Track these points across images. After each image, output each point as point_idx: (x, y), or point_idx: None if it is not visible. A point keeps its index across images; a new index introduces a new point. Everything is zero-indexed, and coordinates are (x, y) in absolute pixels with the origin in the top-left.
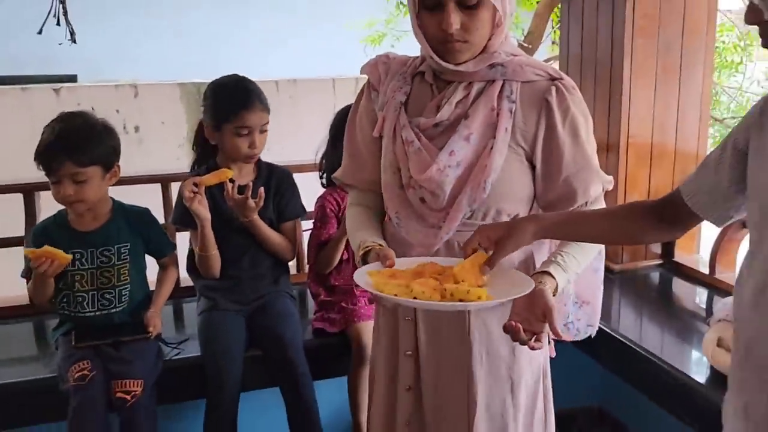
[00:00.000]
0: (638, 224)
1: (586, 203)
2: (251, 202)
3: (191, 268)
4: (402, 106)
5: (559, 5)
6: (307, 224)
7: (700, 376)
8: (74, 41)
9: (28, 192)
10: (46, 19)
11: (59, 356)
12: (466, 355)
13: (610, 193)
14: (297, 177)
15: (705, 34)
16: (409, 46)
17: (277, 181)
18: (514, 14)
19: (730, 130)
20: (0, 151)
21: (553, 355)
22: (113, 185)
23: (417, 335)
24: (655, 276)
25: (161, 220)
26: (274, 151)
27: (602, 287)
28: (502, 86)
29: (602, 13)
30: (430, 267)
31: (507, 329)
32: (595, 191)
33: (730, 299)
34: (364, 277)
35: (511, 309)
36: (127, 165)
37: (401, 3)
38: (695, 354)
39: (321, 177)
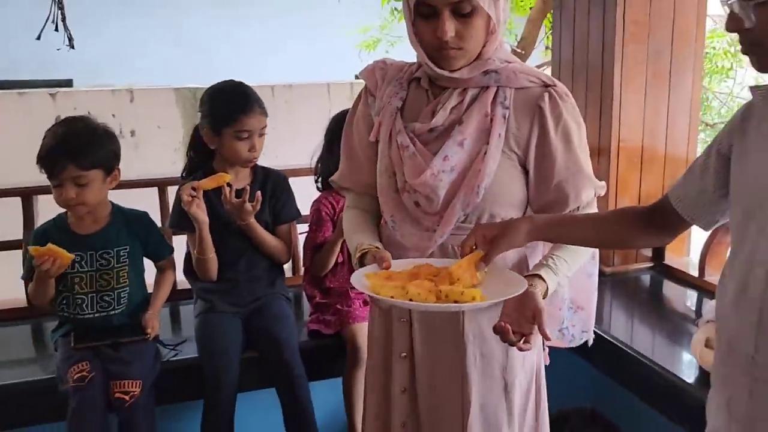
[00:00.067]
0: (628, 229)
1: (578, 208)
2: (248, 205)
3: (188, 270)
4: (398, 111)
5: (552, 11)
6: (302, 227)
7: (690, 376)
8: (72, 47)
9: (27, 196)
10: (44, 25)
11: (58, 357)
12: (460, 356)
13: (601, 197)
14: (292, 181)
15: (694, 41)
16: (404, 51)
17: (272, 185)
18: (507, 21)
19: None
20: None
21: (547, 362)
22: (111, 189)
23: (412, 337)
24: (646, 279)
25: (158, 223)
26: (269, 156)
27: (596, 292)
28: (496, 92)
29: (593, 20)
30: (425, 268)
31: (496, 330)
32: (586, 196)
33: None
34: (361, 279)
35: (502, 310)
36: (123, 169)
37: (396, 9)
38: (686, 355)
39: (316, 181)
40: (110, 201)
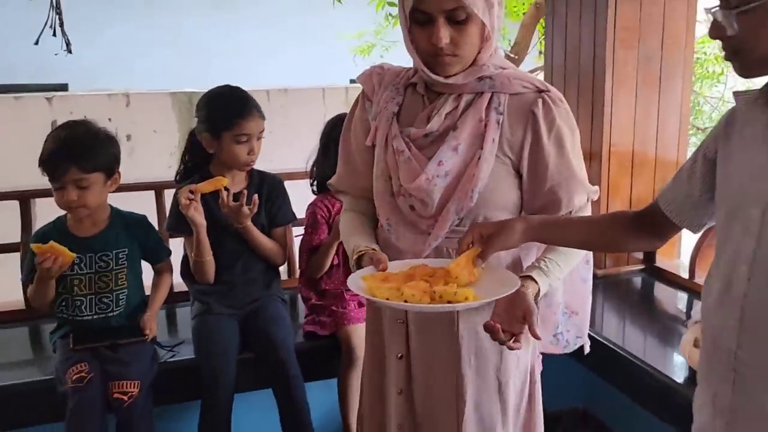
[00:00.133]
0: (620, 233)
1: (571, 212)
2: (245, 209)
3: (185, 273)
4: (394, 116)
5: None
6: (297, 230)
7: (681, 377)
8: (70, 51)
9: (25, 199)
10: (42, 30)
11: (57, 358)
12: (455, 356)
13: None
14: (288, 184)
15: (684, 47)
16: (398, 56)
17: (268, 188)
18: (502, 28)
19: None
20: None
21: (540, 368)
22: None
23: (408, 338)
24: (638, 281)
25: (155, 226)
26: (264, 159)
27: (591, 298)
28: (491, 98)
29: (584, 26)
30: (421, 269)
31: (486, 328)
32: (579, 201)
33: None
34: (357, 281)
35: (494, 309)
36: None
37: (390, 14)
38: (676, 356)
39: (312, 184)
40: (109, 204)
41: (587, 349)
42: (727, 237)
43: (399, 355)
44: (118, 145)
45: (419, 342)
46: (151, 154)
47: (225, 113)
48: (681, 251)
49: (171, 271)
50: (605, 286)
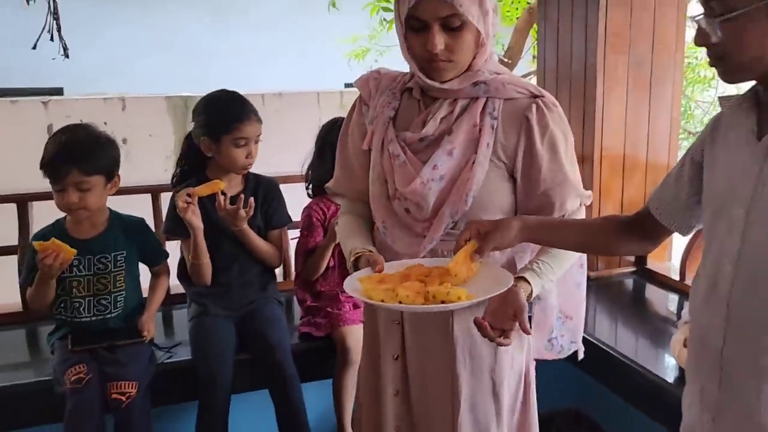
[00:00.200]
0: (613, 236)
1: (564, 216)
2: (242, 212)
3: (182, 275)
4: (390, 120)
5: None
6: (293, 233)
7: (672, 377)
8: (67, 56)
9: (22, 202)
10: (40, 35)
11: (55, 360)
12: (450, 356)
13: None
14: (283, 188)
15: (674, 51)
16: (393, 60)
17: (264, 191)
18: (496, 34)
19: None
20: None
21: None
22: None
23: (404, 338)
24: (629, 283)
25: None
26: (259, 163)
27: (585, 302)
28: (485, 103)
29: (576, 31)
30: (416, 269)
31: (475, 323)
32: (571, 205)
33: None
34: (353, 283)
35: (486, 307)
36: None
37: (384, 19)
38: (668, 357)
39: (307, 188)
40: (108, 207)
41: (581, 355)
42: (713, 237)
43: (395, 356)
44: (118, 148)
45: (414, 342)
46: (147, 157)
47: (224, 117)
48: (672, 254)
49: (168, 273)
50: (597, 288)
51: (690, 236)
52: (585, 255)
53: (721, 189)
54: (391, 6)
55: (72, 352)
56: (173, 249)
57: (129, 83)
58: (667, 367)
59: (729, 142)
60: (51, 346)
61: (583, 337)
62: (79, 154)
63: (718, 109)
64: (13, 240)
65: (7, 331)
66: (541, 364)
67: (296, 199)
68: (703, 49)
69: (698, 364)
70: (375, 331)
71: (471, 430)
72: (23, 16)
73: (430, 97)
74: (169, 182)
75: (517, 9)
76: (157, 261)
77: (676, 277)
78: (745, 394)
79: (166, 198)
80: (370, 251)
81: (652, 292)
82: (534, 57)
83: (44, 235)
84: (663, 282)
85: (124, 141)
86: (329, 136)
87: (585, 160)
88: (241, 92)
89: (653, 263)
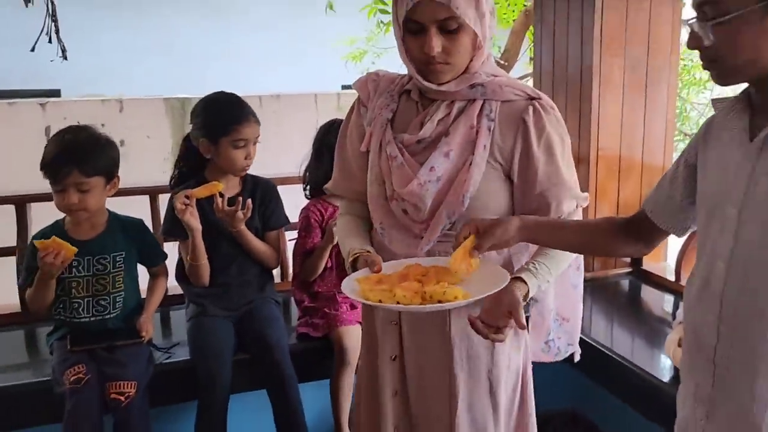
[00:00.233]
0: (611, 238)
1: (560, 218)
2: (240, 213)
3: (181, 276)
4: (388, 122)
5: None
6: (290, 234)
7: (667, 377)
8: (65, 58)
9: (21, 203)
10: (39, 37)
11: (54, 360)
12: (447, 357)
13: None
14: (281, 189)
15: (669, 53)
16: (390, 62)
17: (261, 193)
18: (493, 37)
19: None
20: None
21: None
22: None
23: (402, 339)
24: (625, 283)
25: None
26: (256, 164)
27: (581, 304)
28: (482, 105)
29: (572, 33)
30: (414, 268)
31: (468, 321)
32: (567, 207)
33: None
34: (351, 284)
35: (482, 305)
36: None
37: (381, 21)
38: (663, 357)
39: (305, 189)
40: (107, 208)
41: (577, 357)
42: (707, 237)
43: (393, 356)
44: (118, 150)
45: (412, 343)
46: (145, 159)
47: (222, 119)
48: (667, 254)
49: (167, 274)
50: (593, 288)
51: (685, 237)
52: (582, 257)
53: (715, 189)
54: (388, 8)
55: (71, 353)
56: (171, 250)
57: (126, 85)
58: (663, 367)
59: (722, 143)
60: (50, 347)
61: (580, 338)
62: (80, 155)
63: (713, 111)
64: (11, 241)
65: (5, 332)
66: (537, 364)
67: (294, 201)
68: (698, 52)
69: (692, 362)
70: (373, 331)
71: (468, 429)
72: (21, 18)
73: (428, 99)
74: (167, 184)
75: (513, 11)
76: (155, 262)
77: (672, 277)
78: (738, 390)
79: (164, 199)
80: (369, 252)
81: (647, 292)
82: (530, 59)
83: (44, 235)
84: (658, 283)
85: (122, 143)
86: (326, 137)
87: (581, 161)
88: (239, 94)
89: (649, 264)
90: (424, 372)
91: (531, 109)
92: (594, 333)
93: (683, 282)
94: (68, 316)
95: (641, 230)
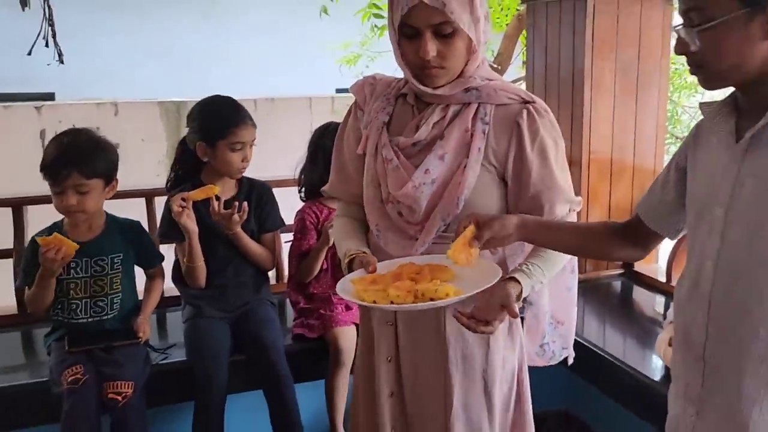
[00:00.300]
0: (606, 242)
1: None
2: (236, 216)
3: (177, 278)
4: (384, 125)
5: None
6: (286, 237)
7: (658, 376)
8: (62, 62)
9: (17, 206)
10: (35, 41)
11: (52, 361)
12: (442, 357)
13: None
14: (276, 191)
15: (660, 57)
16: (384, 66)
17: (257, 195)
18: (488, 41)
19: None
20: None
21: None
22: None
23: (397, 340)
24: (617, 285)
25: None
26: (252, 167)
27: (575, 307)
28: (477, 109)
29: (564, 38)
30: (408, 267)
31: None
32: (560, 211)
33: None
34: (346, 285)
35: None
36: None
37: (375, 26)
38: (655, 357)
39: (300, 191)
40: (104, 210)
41: (571, 361)
42: (695, 237)
43: (388, 357)
44: (117, 153)
45: (408, 342)
46: (140, 162)
47: (219, 122)
48: (658, 256)
49: (163, 276)
50: (586, 290)
51: (676, 239)
52: (576, 260)
53: (703, 191)
54: (382, 12)
55: (69, 353)
56: (167, 252)
57: (120, 89)
58: (654, 367)
59: (710, 146)
60: (47, 348)
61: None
62: (80, 157)
63: None
64: (8, 244)
65: (2, 334)
66: (530, 366)
67: (289, 203)
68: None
69: (683, 359)
70: (370, 332)
71: (463, 429)
72: (17, 22)
73: (424, 102)
74: (163, 186)
75: (506, 16)
76: (152, 264)
77: (663, 279)
78: (726, 388)
79: (159, 202)
80: (364, 253)
81: (639, 293)
82: (523, 63)
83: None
84: (650, 284)
85: (117, 146)
86: (322, 140)
87: (573, 164)
88: (234, 97)
89: (640, 266)
90: (419, 371)
91: (525, 112)
92: (586, 334)
93: (674, 283)
94: (66, 317)
95: (637, 234)
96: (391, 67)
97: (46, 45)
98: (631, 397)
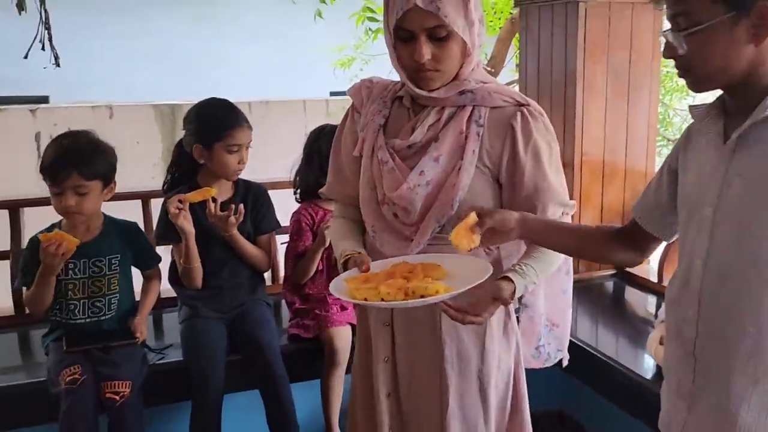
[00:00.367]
0: (604, 245)
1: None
2: (232, 218)
3: (174, 279)
4: (380, 128)
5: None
6: (281, 238)
7: (650, 375)
8: (58, 65)
9: (14, 208)
10: (32, 44)
11: (50, 361)
12: (438, 356)
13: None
14: (272, 193)
15: (651, 61)
16: (378, 69)
17: (253, 197)
18: (483, 45)
19: None
20: None
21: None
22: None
23: (394, 340)
24: (609, 285)
25: None
26: (247, 169)
27: (571, 309)
28: (472, 111)
29: (556, 41)
30: (401, 267)
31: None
32: (553, 213)
33: None
34: (339, 284)
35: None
36: None
37: (370, 29)
38: (647, 356)
39: (295, 193)
40: (102, 212)
41: (565, 363)
42: (686, 237)
43: (385, 358)
44: (116, 155)
45: (404, 341)
46: (135, 165)
47: (216, 125)
48: (650, 257)
49: (160, 277)
50: (578, 290)
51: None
52: (571, 262)
53: (693, 191)
54: (376, 16)
55: (67, 353)
56: (164, 253)
57: (115, 92)
58: (647, 366)
59: (699, 147)
60: (45, 348)
61: None
62: (79, 158)
63: None
64: (4, 246)
65: None
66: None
67: (284, 205)
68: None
69: (674, 356)
70: (367, 333)
71: (459, 427)
72: (14, 25)
73: (419, 105)
74: (159, 188)
75: (500, 19)
76: (149, 265)
77: (654, 279)
78: (716, 385)
79: (155, 204)
80: (359, 253)
81: (631, 294)
82: (516, 66)
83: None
84: (642, 284)
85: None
86: (317, 142)
87: (565, 166)
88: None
89: None
90: (416, 370)
91: (519, 115)
92: (579, 334)
93: (665, 283)
94: (64, 317)
95: (635, 237)
96: (385, 70)
97: (43, 48)
98: (624, 396)
